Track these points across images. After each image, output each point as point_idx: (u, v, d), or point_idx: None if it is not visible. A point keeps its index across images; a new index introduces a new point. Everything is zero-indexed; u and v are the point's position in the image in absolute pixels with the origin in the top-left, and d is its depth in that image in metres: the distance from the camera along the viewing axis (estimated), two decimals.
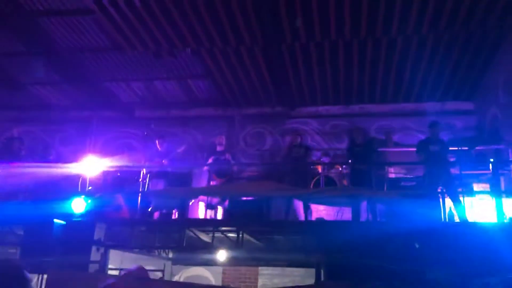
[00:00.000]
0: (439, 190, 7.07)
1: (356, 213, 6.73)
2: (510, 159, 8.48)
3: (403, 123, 11.35)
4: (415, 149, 10.50)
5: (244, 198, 8.44)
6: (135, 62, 10.32)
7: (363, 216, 7.05)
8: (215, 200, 8.59)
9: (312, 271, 7.06)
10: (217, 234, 6.96)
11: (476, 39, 8.92)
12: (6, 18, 9.02)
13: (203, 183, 9.23)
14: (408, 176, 9.61)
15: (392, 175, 9.34)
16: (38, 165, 7.81)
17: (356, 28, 8.60)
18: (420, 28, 8.52)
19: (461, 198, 7.11)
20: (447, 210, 7.38)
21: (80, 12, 8.75)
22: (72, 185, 7.79)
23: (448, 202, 7.36)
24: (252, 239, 7.04)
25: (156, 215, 7.75)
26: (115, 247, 6.56)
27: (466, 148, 8.91)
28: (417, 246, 6.61)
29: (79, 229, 6.24)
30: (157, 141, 8.90)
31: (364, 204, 7.04)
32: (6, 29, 9.39)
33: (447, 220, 7.00)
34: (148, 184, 7.56)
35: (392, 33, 8.69)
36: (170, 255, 8.67)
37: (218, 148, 9.43)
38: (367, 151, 8.16)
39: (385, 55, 9.46)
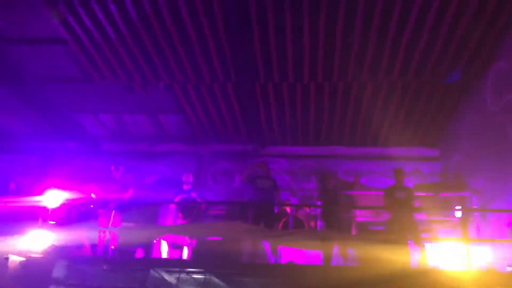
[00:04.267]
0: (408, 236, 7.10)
1: (327, 257, 6.66)
2: (474, 206, 8.66)
3: (370, 167, 11.53)
4: (382, 192, 10.73)
5: (211, 238, 8.22)
6: (105, 94, 10.13)
7: (334, 260, 6.99)
8: (180, 239, 8.34)
9: None
10: (182, 275, 6.71)
11: (441, 89, 9.26)
12: None
13: (168, 221, 8.97)
14: (375, 220, 9.70)
15: (360, 219, 9.36)
16: None
17: (329, 71, 8.79)
18: (390, 74, 8.79)
19: (425, 244, 7.22)
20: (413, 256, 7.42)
21: (52, 41, 8.60)
22: (31, 219, 7.40)
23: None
24: (219, 281, 6.81)
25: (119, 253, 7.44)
26: (73, 286, 6.20)
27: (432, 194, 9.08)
28: None
29: (38, 266, 5.87)
30: (112, 168, 8.43)
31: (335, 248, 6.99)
32: None
33: (416, 266, 7.01)
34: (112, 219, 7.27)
35: (362, 78, 8.92)
36: None
37: (185, 187, 9.20)
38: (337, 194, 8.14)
39: (355, 99, 9.66)
